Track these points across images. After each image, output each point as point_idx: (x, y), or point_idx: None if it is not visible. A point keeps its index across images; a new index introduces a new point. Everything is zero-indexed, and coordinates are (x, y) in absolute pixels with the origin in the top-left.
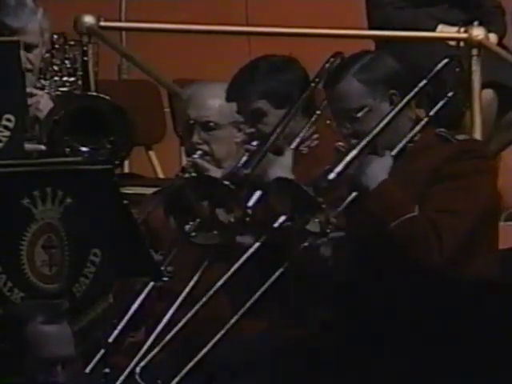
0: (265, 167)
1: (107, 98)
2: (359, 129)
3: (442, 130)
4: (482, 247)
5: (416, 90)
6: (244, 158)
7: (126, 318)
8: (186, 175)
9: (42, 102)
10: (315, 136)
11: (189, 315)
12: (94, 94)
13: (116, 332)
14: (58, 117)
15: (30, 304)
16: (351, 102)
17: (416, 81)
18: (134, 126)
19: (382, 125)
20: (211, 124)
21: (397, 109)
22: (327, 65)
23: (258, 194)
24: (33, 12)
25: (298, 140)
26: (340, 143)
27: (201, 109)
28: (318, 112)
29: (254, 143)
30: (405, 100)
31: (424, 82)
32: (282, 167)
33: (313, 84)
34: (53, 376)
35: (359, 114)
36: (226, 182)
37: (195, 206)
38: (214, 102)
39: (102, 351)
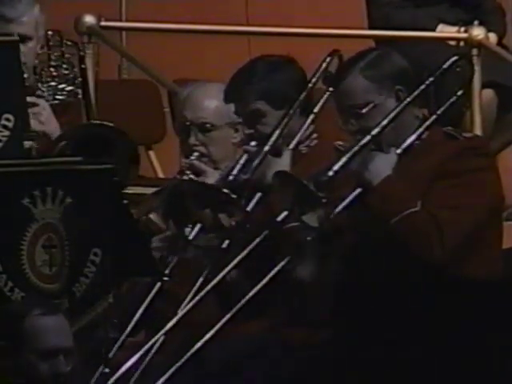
0: (263, 168)
1: (110, 124)
2: (365, 125)
3: (450, 128)
4: (485, 244)
5: (423, 86)
6: (243, 160)
7: (129, 327)
8: (184, 177)
9: (45, 115)
10: (314, 135)
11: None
12: (98, 122)
13: (116, 346)
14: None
15: (24, 300)
16: (357, 98)
17: (418, 80)
18: (138, 150)
19: (385, 121)
20: (207, 125)
21: (402, 105)
22: (324, 64)
23: (257, 196)
24: (29, 4)
25: (296, 140)
26: (339, 142)
27: (197, 110)
28: (315, 110)
29: (253, 143)
30: (411, 96)
31: (431, 78)
32: (280, 168)
33: (310, 84)
34: (56, 366)
35: (364, 110)
36: (226, 191)
37: (196, 214)
38: (210, 102)
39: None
